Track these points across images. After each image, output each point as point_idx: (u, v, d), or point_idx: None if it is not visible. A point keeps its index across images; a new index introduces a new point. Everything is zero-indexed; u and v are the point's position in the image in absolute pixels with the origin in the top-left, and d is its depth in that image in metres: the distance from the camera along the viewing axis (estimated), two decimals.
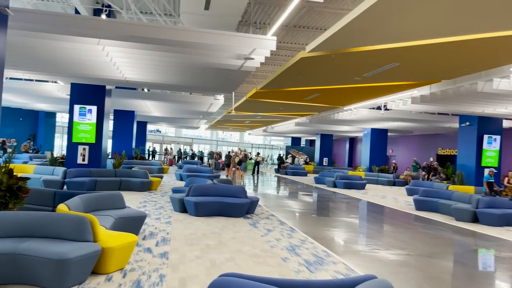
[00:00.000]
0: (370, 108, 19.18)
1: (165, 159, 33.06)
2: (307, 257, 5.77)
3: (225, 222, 8.25)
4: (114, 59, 9.31)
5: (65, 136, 33.00)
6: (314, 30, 13.61)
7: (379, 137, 26.15)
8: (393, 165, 27.95)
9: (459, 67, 9.36)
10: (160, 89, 14.40)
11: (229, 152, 31.82)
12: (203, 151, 39.23)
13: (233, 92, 13.57)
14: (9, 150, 20.66)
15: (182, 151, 36.65)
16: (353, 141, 40.46)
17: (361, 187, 18.78)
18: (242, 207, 8.99)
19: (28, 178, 5.34)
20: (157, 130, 40.37)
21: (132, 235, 4.89)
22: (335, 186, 18.98)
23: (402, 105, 15.00)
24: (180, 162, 33.14)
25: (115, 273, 4.53)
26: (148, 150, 31.87)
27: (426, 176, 23.29)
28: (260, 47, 7.72)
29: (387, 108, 17.66)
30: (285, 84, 12.40)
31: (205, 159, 35.60)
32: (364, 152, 27.18)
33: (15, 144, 22.12)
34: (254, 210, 9.79)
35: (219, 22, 9.80)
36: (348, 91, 13.09)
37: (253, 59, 8.33)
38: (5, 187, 5.02)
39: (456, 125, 19.97)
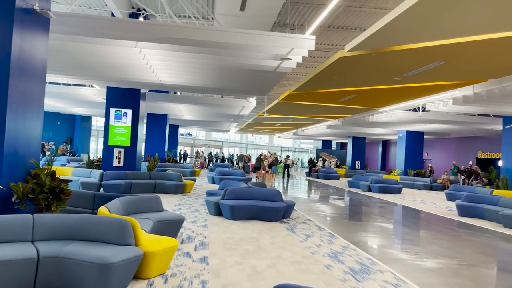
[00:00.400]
0: (407, 110, 18.54)
1: (196, 162, 33.31)
2: (351, 265, 5.49)
3: (262, 227, 8.07)
4: (150, 62, 9.35)
5: (100, 140, 33.95)
6: (349, 30, 13.28)
7: (415, 140, 25.32)
8: (429, 168, 26.98)
9: (511, 64, 8.80)
10: (194, 92, 14.44)
11: (260, 155, 31.70)
12: (233, 154, 39.26)
13: (266, 95, 13.41)
14: (47, 153, 21.35)
15: (212, 154, 36.82)
16: (386, 144, 39.47)
17: (397, 191, 18.17)
18: (278, 211, 8.78)
19: (69, 180, 5.35)
20: (188, 134, 40.83)
21: (173, 239, 4.78)
22: (369, 190, 18.49)
23: (443, 106, 14.37)
24: (211, 165, 33.32)
25: (156, 278, 4.42)
26: (180, 153, 32.21)
27: (465, 180, 22.29)
28: (298, 47, 7.51)
29: (425, 109, 17.00)
30: (320, 86, 12.12)
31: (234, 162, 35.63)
32: (399, 155, 26.39)
33: (53, 147, 22.88)
34: (290, 214, 9.56)
35: (254, 23, 9.66)
36: (386, 92, 12.65)
37: (290, 59, 8.13)
38: (48, 189, 5.02)
39: (499, 127, 18.99)
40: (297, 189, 19.70)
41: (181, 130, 34.08)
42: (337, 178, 27.30)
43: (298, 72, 18.79)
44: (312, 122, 26.14)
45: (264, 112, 16.75)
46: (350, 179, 26.26)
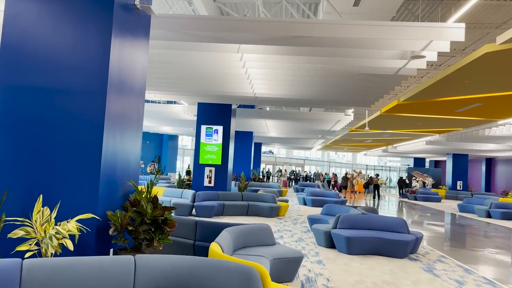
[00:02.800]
0: None
1: (279, 181, 32.20)
2: None
3: (390, 265, 6.46)
4: (249, 71, 8.38)
5: (184, 158, 34.47)
6: (478, 28, 11.21)
7: None
8: None
9: None
10: (289, 105, 13.32)
11: (346, 173, 29.70)
12: (317, 172, 37.46)
13: (370, 106, 11.78)
14: None
15: (295, 172, 35.47)
16: (490, 162, 34.89)
17: None
18: (406, 246, 7.08)
19: (173, 208, 4.34)
20: (270, 151, 40.02)
21: None
22: (488, 215, 15.73)
23: None
24: (293, 184, 31.97)
25: None
26: (263, 171, 31.37)
27: None
28: (439, 39, 5.94)
29: None
30: (441, 93, 10.22)
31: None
32: None
33: (142, 166, 23.29)
34: (418, 249, 7.80)
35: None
36: None
37: (423, 57, 6.57)
38: (150, 219, 4.04)
39: None
40: (398, 213, 17.43)
41: (262, 148, 33.36)
42: (438, 200, 24.23)
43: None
44: (410, 138, 23.60)
45: (365, 126, 15.07)
46: (457, 202, 23.35)
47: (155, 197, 4.26)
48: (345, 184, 27.63)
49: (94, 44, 4.33)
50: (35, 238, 3.63)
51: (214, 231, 5.49)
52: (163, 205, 4.30)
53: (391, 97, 18.95)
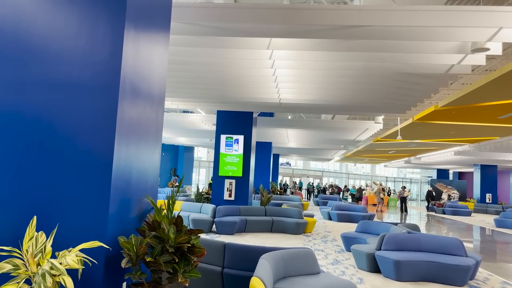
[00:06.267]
0: None
1: (295, 193, 31.13)
2: None
3: None
4: (277, 72, 7.54)
5: (200, 170, 33.68)
6: None
7: None
8: None
9: None
10: (315, 112, 12.42)
11: (360, 186, 28.65)
12: (329, 184, 36.22)
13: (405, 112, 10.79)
14: None
15: (314, 185, 34.33)
16: None
17: None
18: (466, 272, 6.05)
19: (201, 231, 3.44)
20: (287, 163, 38.95)
21: None
22: None
23: None
24: (313, 197, 30.85)
25: None
26: (280, 183, 30.36)
27: None
28: (510, 26, 5.00)
29: None
30: (490, 96, 9.21)
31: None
32: None
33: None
34: (476, 274, 6.74)
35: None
36: None
37: (487, 49, 5.63)
38: (173, 247, 3.16)
39: None
40: (433, 229, 16.21)
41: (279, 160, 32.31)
42: (468, 214, 22.84)
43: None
44: (438, 148, 22.37)
45: (397, 135, 14.03)
46: (488, 215, 22.07)
47: (179, 218, 3.38)
48: (359, 195, 26.46)
49: (104, 29, 3.52)
50: (26, 273, 2.78)
51: (246, 256, 4.60)
52: (188, 228, 3.42)
53: (419, 105, 17.88)
